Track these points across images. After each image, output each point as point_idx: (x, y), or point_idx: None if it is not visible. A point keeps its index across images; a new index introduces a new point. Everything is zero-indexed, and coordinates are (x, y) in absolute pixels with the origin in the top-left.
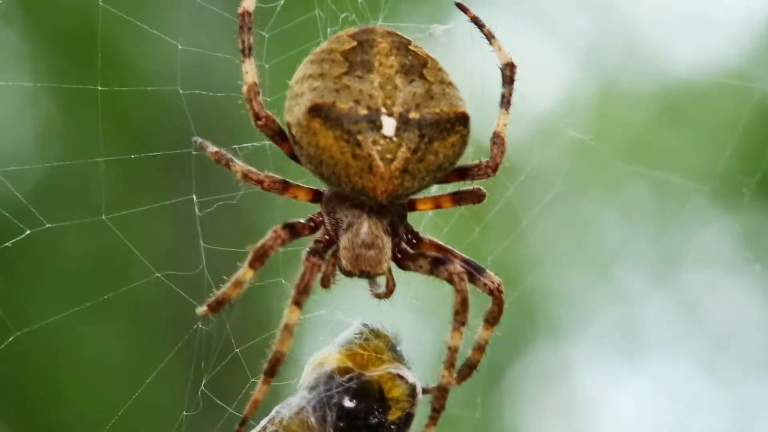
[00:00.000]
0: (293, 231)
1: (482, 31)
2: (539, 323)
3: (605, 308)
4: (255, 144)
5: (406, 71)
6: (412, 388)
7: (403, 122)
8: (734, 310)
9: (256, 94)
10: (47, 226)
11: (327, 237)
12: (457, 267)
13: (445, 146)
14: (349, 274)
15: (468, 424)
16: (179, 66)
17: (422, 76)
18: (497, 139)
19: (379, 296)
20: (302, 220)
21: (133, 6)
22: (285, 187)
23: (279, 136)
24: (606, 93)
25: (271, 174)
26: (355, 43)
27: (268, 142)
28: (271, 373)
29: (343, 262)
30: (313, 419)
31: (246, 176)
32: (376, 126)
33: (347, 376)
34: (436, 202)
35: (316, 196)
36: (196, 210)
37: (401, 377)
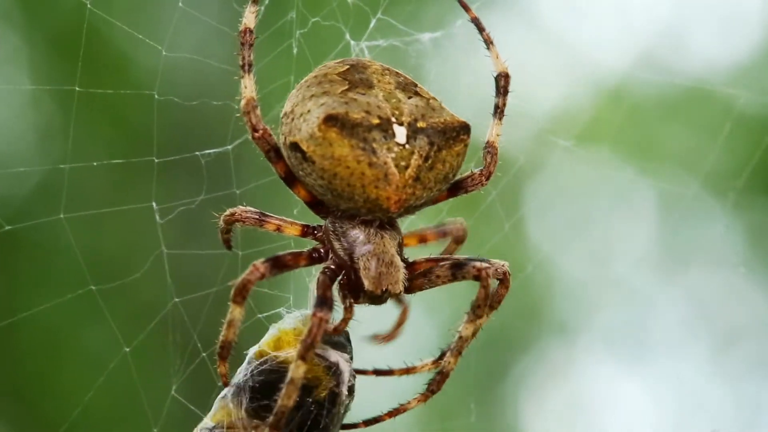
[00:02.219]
0: (276, 265)
1: (481, 34)
2: (532, 325)
3: (596, 308)
4: (217, 150)
5: (402, 88)
6: (333, 367)
7: (413, 131)
8: (721, 312)
9: (254, 108)
10: (6, 228)
11: (336, 263)
12: (483, 263)
13: (451, 155)
14: (369, 296)
15: (463, 428)
16: (160, 71)
17: (417, 94)
18: (490, 149)
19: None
20: (294, 251)
21: (123, 9)
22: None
23: (274, 151)
24: (593, 96)
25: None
26: (347, 66)
27: (230, 146)
28: (277, 426)
29: (366, 282)
30: (231, 405)
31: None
32: (389, 134)
33: (261, 359)
34: (421, 236)
35: (306, 230)
36: (157, 217)
37: (319, 356)
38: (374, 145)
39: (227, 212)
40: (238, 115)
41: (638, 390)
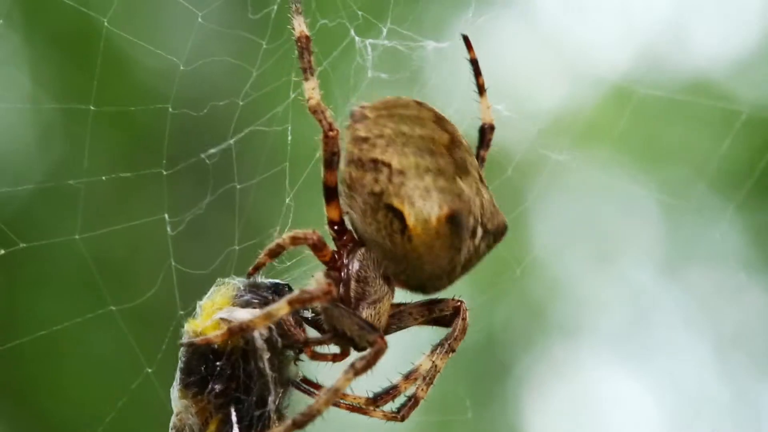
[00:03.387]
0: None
1: (476, 79)
2: (529, 324)
3: (594, 308)
4: (221, 147)
5: (480, 175)
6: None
7: (484, 232)
8: (721, 318)
9: (326, 108)
10: (21, 245)
11: (342, 299)
12: (455, 299)
13: (487, 254)
14: (352, 345)
15: (460, 425)
16: (175, 86)
17: (483, 181)
18: None
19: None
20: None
21: (138, 21)
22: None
23: (337, 156)
24: (597, 102)
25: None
26: (448, 136)
27: (232, 140)
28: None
29: None
30: (176, 392)
31: (294, 239)
32: (473, 235)
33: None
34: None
35: (332, 258)
36: (168, 230)
37: (224, 320)
38: (462, 245)
39: (298, 233)
40: (242, 103)
41: (636, 389)
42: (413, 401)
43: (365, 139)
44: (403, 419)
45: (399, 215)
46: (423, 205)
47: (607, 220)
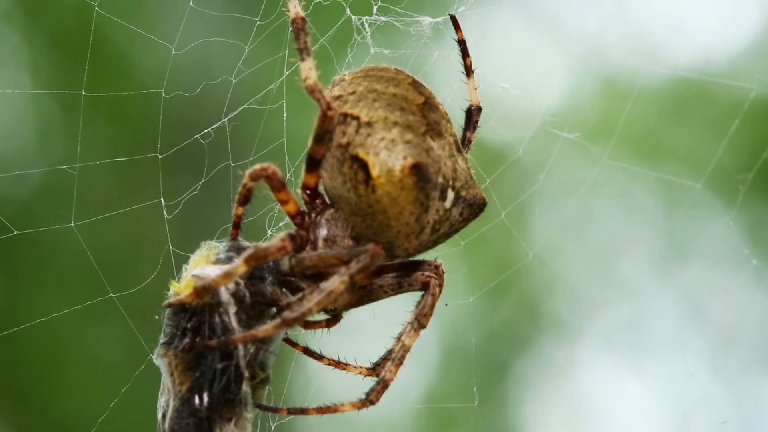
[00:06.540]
0: (295, 244)
1: (464, 60)
2: (526, 318)
3: (599, 303)
4: (215, 126)
5: (457, 145)
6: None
7: (457, 198)
8: (732, 306)
9: (323, 87)
10: (15, 233)
11: (307, 244)
12: (431, 270)
13: (464, 225)
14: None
15: (466, 413)
16: (168, 70)
17: (461, 152)
18: None
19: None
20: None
21: (130, 7)
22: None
23: (330, 134)
24: (602, 90)
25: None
26: (422, 99)
27: (226, 119)
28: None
29: None
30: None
31: (252, 174)
32: (443, 197)
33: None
34: None
35: (297, 213)
36: (164, 213)
37: (196, 276)
38: (430, 203)
39: (255, 167)
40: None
41: (640, 382)
42: (382, 384)
43: (338, 97)
44: (372, 403)
45: (363, 165)
46: (388, 156)
47: (614, 211)
